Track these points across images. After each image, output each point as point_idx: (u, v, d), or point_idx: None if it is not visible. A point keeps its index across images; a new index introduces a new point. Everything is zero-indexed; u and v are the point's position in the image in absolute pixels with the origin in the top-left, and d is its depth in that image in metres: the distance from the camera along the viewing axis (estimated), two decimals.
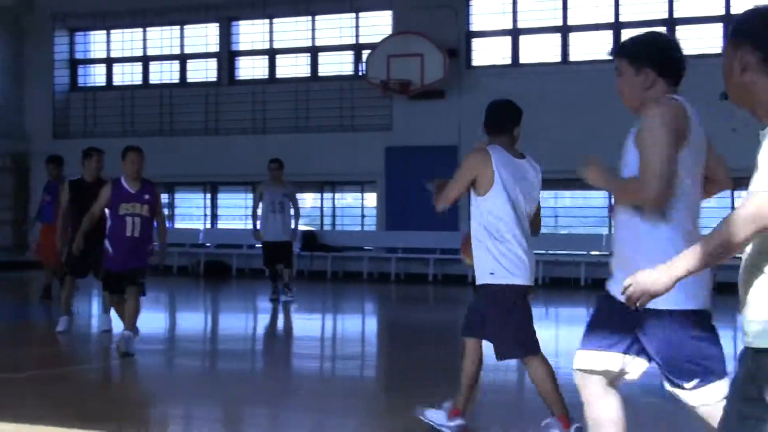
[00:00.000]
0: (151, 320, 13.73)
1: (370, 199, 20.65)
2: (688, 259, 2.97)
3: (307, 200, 21.05)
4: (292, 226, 14.66)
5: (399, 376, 9.10)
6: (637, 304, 3.14)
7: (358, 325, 14.16)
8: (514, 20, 19.49)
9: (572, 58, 19.10)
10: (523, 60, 19.50)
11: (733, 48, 2.86)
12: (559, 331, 13.11)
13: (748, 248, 2.81)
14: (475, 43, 19.78)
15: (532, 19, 19.41)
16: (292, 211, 14.72)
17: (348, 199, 21.18)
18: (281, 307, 14.42)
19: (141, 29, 22.24)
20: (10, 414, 6.79)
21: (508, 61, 19.54)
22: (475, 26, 19.78)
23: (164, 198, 22.05)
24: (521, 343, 5.81)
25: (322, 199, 20.86)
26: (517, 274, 5.80)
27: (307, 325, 13.67)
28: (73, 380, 8.60)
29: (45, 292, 14.49)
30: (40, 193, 22.10)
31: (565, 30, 19.07)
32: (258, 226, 14.68)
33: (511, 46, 19.51)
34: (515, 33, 19.51)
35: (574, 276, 18.08)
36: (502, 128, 6.09)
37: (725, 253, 2.83)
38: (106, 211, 9.51)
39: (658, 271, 3.05)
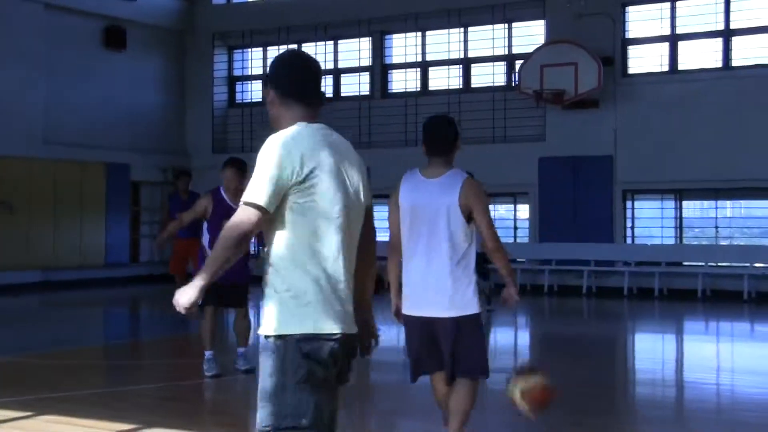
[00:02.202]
0: None
1: (523, 210, 20.40)
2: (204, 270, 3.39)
3: None
4: None
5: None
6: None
7: (511, 338, 13.95)
8: (672, 26, 18.94)
9: (735, 63, 18.40)
10: (681, 66, 18.92)
11: (266, 87, 3.63)
12: (721, 347, 12.60)
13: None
14: (632, 50, 19.32)
15: (691, 24, 18.82)
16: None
17: (500, 210, 20.98)
18: None
19: (295, 45, 22.66)
20: (175, 421, 6.96)
21: (666, 68, 18.99)
22: (631, 33, 19.32)
23: None
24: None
25: None
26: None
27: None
28: (224, 389, 8.76)
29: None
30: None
31: (727, 34, 18.39)
32: None
33: (669, 53, 18.96)
34: (673, 39, 18.95)
35: (736, 289, 17.38)
36: None
37: (227, 263, 3.37)
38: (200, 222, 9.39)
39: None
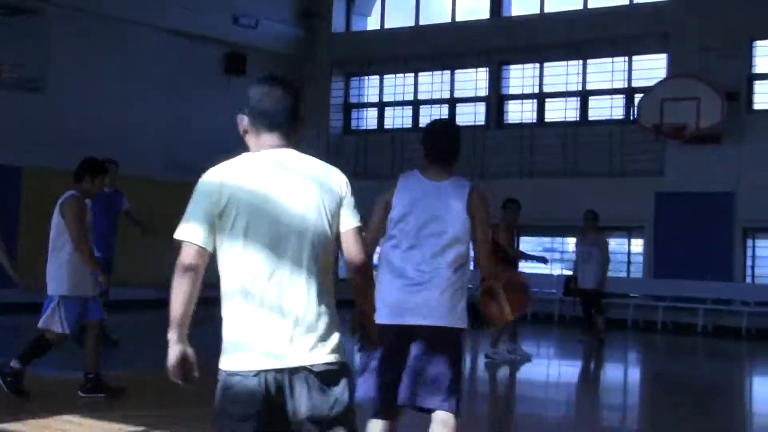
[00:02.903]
0: None
1: (636, 245, 20.00)
2: None
3: (572, 245, 20.70)
4: None
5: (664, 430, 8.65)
6: None
7: (621, 375, 13.65)
8: None
9: None
10: None
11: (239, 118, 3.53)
12: None
13: None
14: (758, 86, 18.82)
15: None
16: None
17: (613, 244, 20.60)
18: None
19: (412, 74, 22.79)
20: None
21: None
22: (758, 68, 18.82)
23: None
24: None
25: None
26: None
27: (568, 372, 13.34)
28: None
29: None
30: None
31: None
32: None
33: None
34: None
35: None
36: None
37: (182, 305, 3.37)
38: None
39: None
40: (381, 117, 23.44)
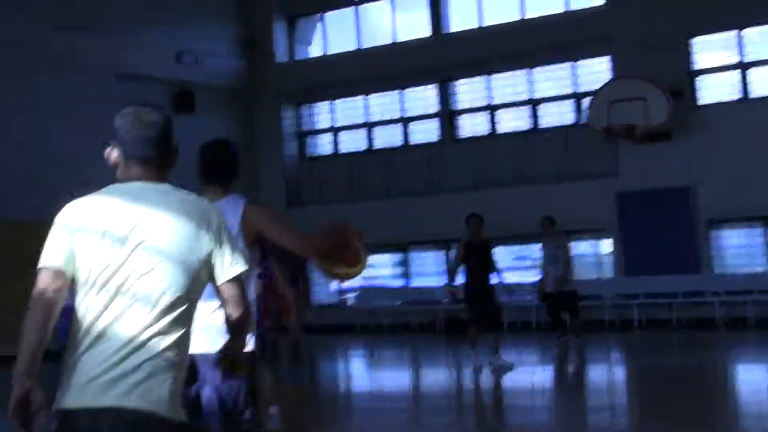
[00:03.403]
0: (394, 378, 13.97)
1: (604, 245, 20.32)
2: None
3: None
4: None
5: (650, 427, 8.79)
6: None
7: (604, 374, 13.84)
8: (741, 53, 18.88)
9: None
10: (754, 94, 18.82)
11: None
12: None
13: None
14: (700, 81, 19.27)
15: (761, 51, 18.74)
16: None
17: (580, 247, 20.91)
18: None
19: (361, 96, 22.93)
20: None
21: (738, 96, 18.90)
22: (699, 64, 19.28)
23: (398, 257, 22.51)
24: None
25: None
26: None
27: (553, 376, 13.49)
28: None
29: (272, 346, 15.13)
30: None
31: None
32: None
33: (740, 81, 18.88)
34: (743, 66, 18.88)
35: None
36: None
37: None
38: None
39: None
40: (335, 141, 23.53)
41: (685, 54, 19.10)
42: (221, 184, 5.33)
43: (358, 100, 23.05)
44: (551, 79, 20.82)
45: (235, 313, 3.26)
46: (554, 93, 20.88)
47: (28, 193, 16.86)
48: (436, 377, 14.10)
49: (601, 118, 18.87)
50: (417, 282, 22.49)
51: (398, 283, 22.53)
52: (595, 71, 20.28)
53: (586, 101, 19.82)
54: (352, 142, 23.31)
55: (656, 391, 11.02)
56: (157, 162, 3.26)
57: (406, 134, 22.53)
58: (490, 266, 12.93)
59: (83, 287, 3.09)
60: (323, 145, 23.86)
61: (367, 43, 22.98)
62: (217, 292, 3.25)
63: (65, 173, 18.82)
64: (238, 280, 3.24)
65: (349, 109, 23.28)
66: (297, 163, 23.75)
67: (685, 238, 18.67)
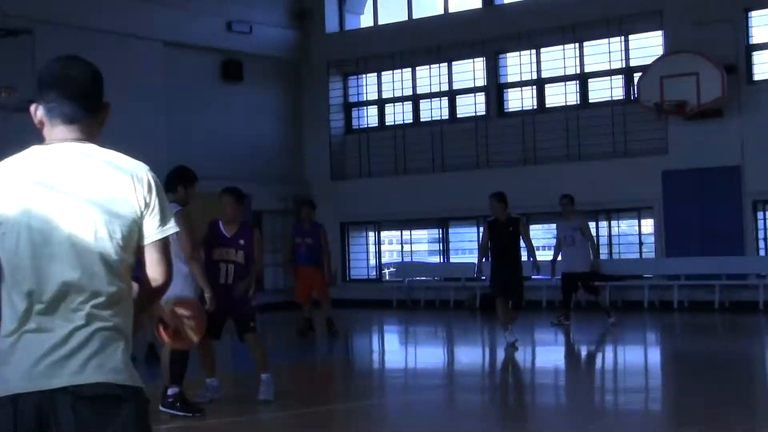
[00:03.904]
0: (430, 355, 13.86)
1: (647, 225, 19.92)
2: None
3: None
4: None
5: (688, 410, 8.56)
6: None
7: (641, 357, 13.56)
8: None
9: None
10: None
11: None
12: None
13: None
14: (756, 56, 18.72)
15: None
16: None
17: (623, 226, 20.54)
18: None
19: (409, 69, 22.72)
20: None
21: None
22: (755, 39, 18.72)
23: (437, 233, 22.34)
24: None
25: (597, 227, 20.26)
26: None
27: (590, 356, 13.26)
28: (370, 416, 8.71)
29: (305, 323, 15.35)
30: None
31: None
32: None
33: None
34: None
35: None
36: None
37: None
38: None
39: None
40: (381, 114, 23.37)
41: (741, 28, 18.54)
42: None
43: (406, 72, 22.82)
44: (602, 53, 20.38)
45: (159, 277, 3.04)
46: (604, 68, 20.45)
47: None
48: (468, 354, 13.94)
49: (652, 93, 18.42)
50: (456, 258, 22.31)
51: (436, 259, 22.36)
52: (647, 45, 19.82)
53: (636, 76, 19.36)
54: (399, 115, 23.12)
55: (689, 374, 10.76)
56: (86, 120, 3.04)
57: (452, 108, 22.27)
58: (515, 244, 12.80)
59: (10, 260, 2.89)
60: (369, 117, 23.70)
61: (417, 14, 22.73)
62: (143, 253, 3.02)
63: (107, 142, 18.95)
64: (165, 243, 3.05)
65: (396, 81, 23.06)
66: (343, 135, 23.63)
67: (730, 219, 18.20)
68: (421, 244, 23.16)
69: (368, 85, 23.64)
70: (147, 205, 3.00)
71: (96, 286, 2.89)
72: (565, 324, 15.45)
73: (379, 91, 23.35)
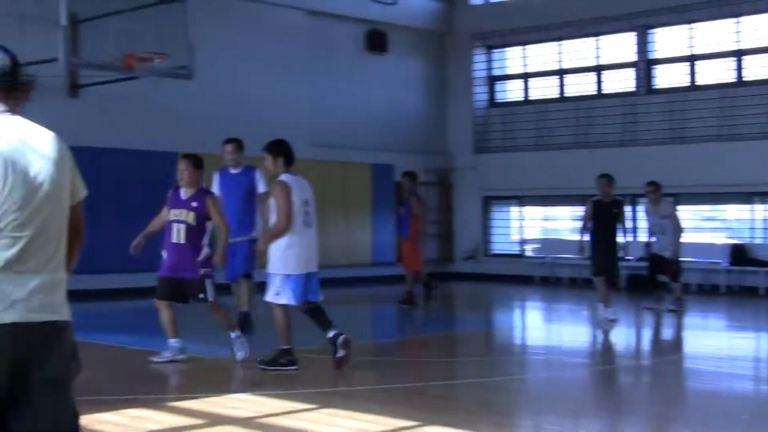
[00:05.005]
0: (572, 333, 13.62)
1: None
2: None
3: (732, 212, 19.97)
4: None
5: None
6: None
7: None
8: None
9: None
10: None
11: None
12: None
13: None
14: None
15: None
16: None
17: None
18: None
19: (555, 42, 22.28)
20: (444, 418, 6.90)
21: None
22: None
23: (580, 211, 21.83)
24: None
25: (751, 210, 19.49)
26: None
27: (740, 344, 12.79)
28: (506, 390, 8.61)
29: (408, 297, 15.43)
30: (464, 208, 23.02)
31: None
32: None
33: None
34: None
35: None
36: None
37: None
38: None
39: None
40: (526, 88, 23.02)
41: None
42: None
43: (552, 45, 22.38)
44: (759, 29, 19.52)
45: (80, 236, 3.56)
46: (764, 44, 19.56)
47: (212, 130, 17.16)
48: (613, 334, 13.62)
49: None
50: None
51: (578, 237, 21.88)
52: None
53: None
54: (543, 89, 22.73)
55: None
56: (7, 95, 3.42)
57: (599, 83, 21.75)
58: (617, 225, 13.25)
59: None
60: (513, 90, 23.38)
61: None
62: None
63: (250, 111, 19.25)
64: (82, 205, 3.55)
65: (541, 54, 22.66)
66: (486, 108, 23.39)
67: None
68: (562, 220, 22.78)
69: (513, 59, 23.31)
70: (72, 169, 3.53)
71: (47, 243, 3.43)
72: (671, 308, 14.66)
73: (524, 65, 22.98)
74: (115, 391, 8.16)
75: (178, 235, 9.17)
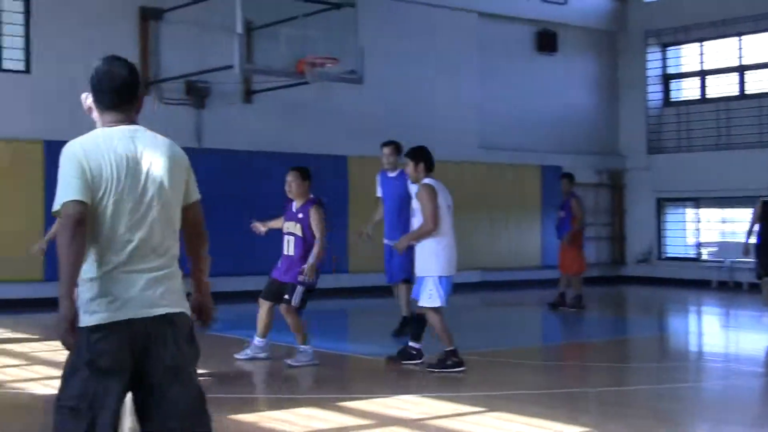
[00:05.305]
0: (753, 340, 13.02)
1: None
2: None
3: None
4: None
5: None
6: None
7: None
8: None
9: None
10: None
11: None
12: None
13: None
14: None
15: None
16: None
17: None
18: None
19: (736, 38, 21.41)
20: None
21: None
22: None
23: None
24: None
25: None
26: None
27: None
28: (680, 398, 8.32)
29: (559, 298, 15.28)
30: (636, 210, 22.44)
31: None
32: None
33: None
34: None
35: None
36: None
37: (69, 263, 3.56)
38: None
39: None
40: (703, 86, 22.21)
41: None
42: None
43: (731, 41, 21.51)
44: None
45: (199, 237, 3.98)
46: None
47: (381, 133, 17.29)
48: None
49: None
50: None
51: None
52: None
53: None
54: (722, 87, 21.87)
55: None
56: (127, 107, 3.81)
57: None
58: None
59: (106, 216, 3.62)
60: (689, 89, 22.61)
61: None
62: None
63: (419, 114, 19.32)
64: (197, 207, 3.92)
65: (720, 51, 21.81)
66: (661, 107, 22.70)
67: None
68: (742, 223, 21.86)
69: (688, 56, 22.55)
70: (189, 171, 3.95)
71: (170, 241, 3.84)
72: None
73: (701, 62, 22.19)
74: (284, 390, 8.33)
75: (287, 247, 9.33)
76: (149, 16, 16.52)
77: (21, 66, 15.80)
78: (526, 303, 17.78)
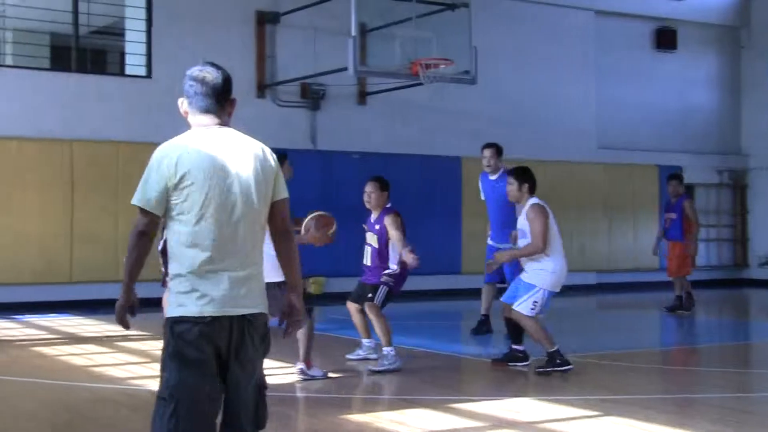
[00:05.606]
0: None
1: None
2: None
3: None
4: None
5: None
6: None
7: None
8: None
9: None
10: None
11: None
12: None
13: None
14: None
15: None
16: None
17: None
18: None
19: None
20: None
21: None
22: None
23: None
24: None
25: None
26: None
27: None
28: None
29: (678, 301, 14.85)
30: (760, 211, 21.78)
31: None
32: None
33: None
34: None
35: None
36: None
37: (135, 265, 3.91)
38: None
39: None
40: None
41: None
42: None
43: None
44: None
45: (285, 235, 4.09)
46: None
47: (495, 134, 17.16)
48: None
49: None
50: None
51: None
52: None
53: None
54: None
55: None
56: (219, 112, 4.00)
57: None
58: None
59: (192, 216, 3.81)
60: None
61: None
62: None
63: (534, 114, 19.14)
64: (288, 202, 4.07)
65: None
66: None
67: None
68: None
69: None
70: (277, 171, 4.08)
71: (255, 242, 4.04)
72: None
73: None
74: (397, 392, 8.35)
75: (366, 257, 9.39)
76: (265, 20, 16.83)
77: (143, 71, 16.26)
78: (643, 305, 17.42)
